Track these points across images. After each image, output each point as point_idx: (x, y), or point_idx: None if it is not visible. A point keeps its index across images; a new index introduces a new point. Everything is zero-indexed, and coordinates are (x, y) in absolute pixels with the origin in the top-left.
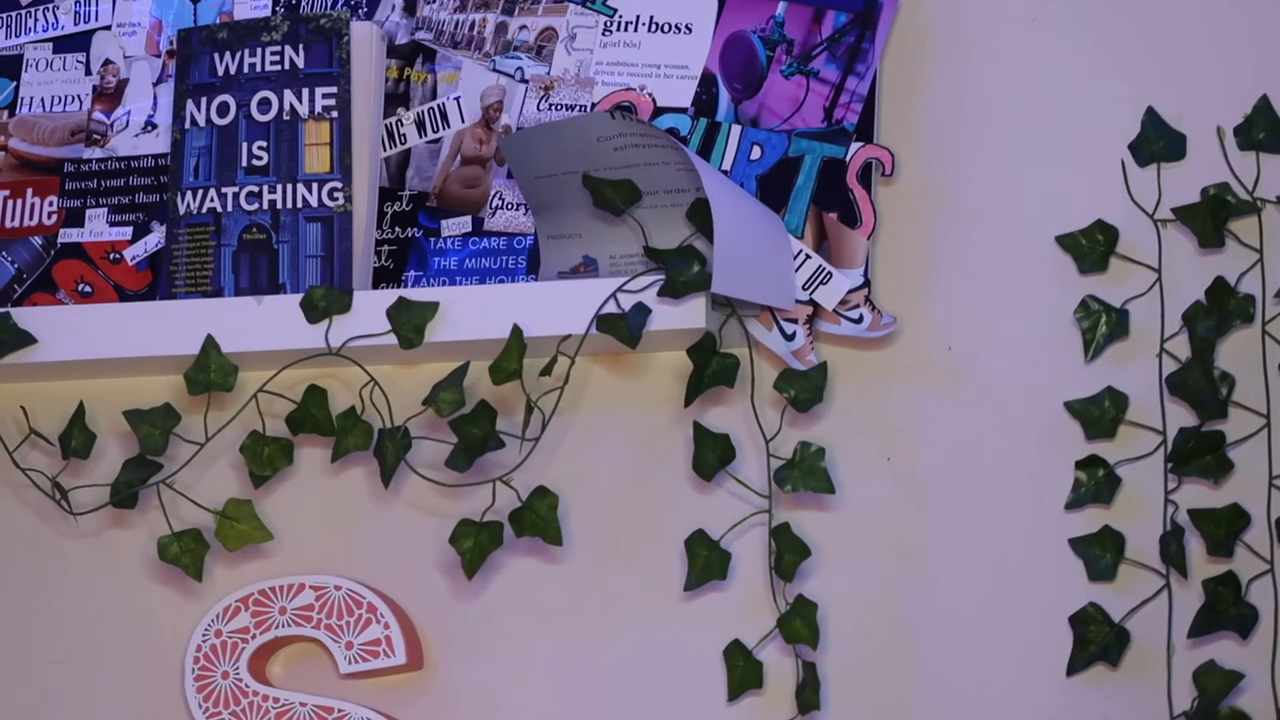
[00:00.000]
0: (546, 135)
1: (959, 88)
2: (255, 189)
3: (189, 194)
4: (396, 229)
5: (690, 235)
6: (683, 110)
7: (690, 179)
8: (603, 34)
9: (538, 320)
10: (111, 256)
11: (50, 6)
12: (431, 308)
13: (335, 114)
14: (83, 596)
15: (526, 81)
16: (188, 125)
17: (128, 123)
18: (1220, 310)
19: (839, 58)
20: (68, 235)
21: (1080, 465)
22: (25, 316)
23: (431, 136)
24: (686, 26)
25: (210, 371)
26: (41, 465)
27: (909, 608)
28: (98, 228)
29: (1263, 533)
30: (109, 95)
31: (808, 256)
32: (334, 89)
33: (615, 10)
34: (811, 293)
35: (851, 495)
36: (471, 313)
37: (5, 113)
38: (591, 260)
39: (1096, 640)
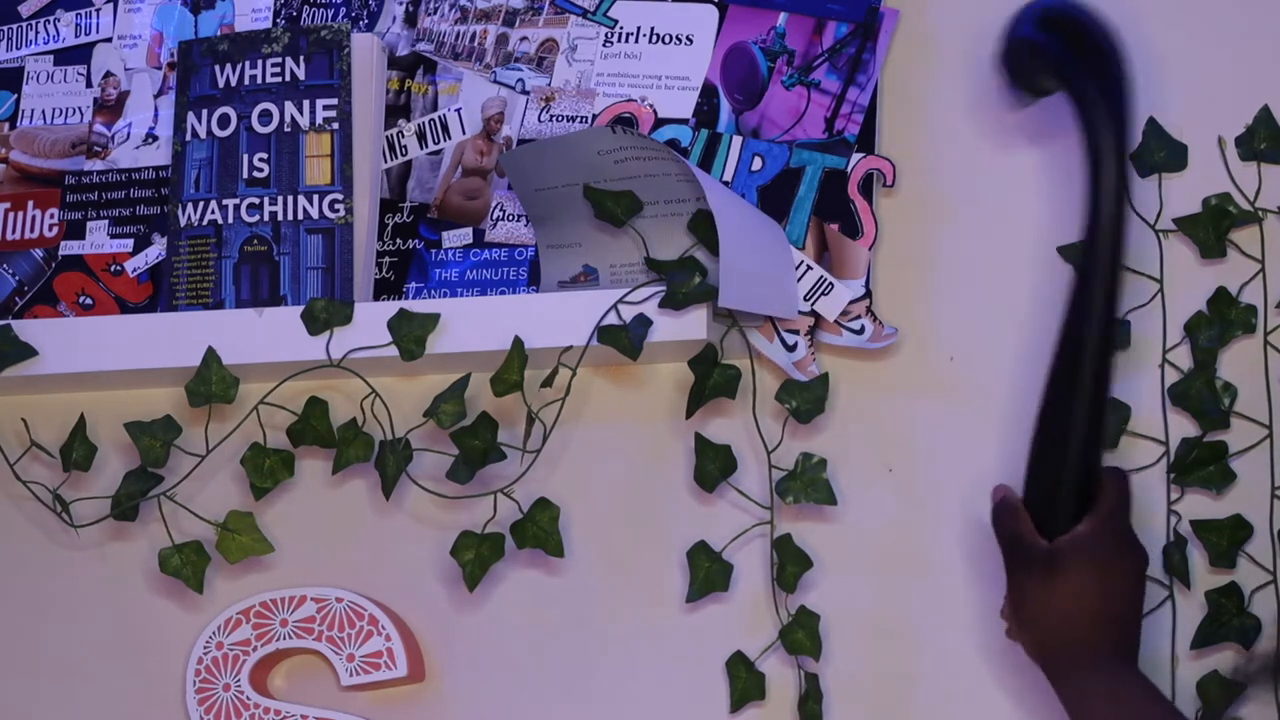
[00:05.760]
0: (546, 150)
1: (960, 98)
2: (256, 201)
3: (190, 206)
4: (397, 240)
5: (691, 246)
6: (684, 121)
7: (691, 189)
8: (604, 45)
9: (539, 332)
10: (112, 269)
11: (51, 19)
12: (432, 319)
13: (336, 126)
14: (84, 609)
15: (527, 93)
16: (188, 137)
17: (129, 135)
18: (1222, 320)
19: (840, 68)
20: (68, 247)
21: None
22: (26, 329)
23: (432, 148)
24: (687, 38)
25: (211, 383)
26: (42, 478)
27: (912, 619)
28: (99, 240)
29: (1265, 543)
30: (110, 107)
31: (809, 267)
32: (335, 101)
33: (616, 22)
34: (813, 303)
35: (853, 506)
36: (472, 324)
37: (6, 125)
38: (592, 270)
39: None
